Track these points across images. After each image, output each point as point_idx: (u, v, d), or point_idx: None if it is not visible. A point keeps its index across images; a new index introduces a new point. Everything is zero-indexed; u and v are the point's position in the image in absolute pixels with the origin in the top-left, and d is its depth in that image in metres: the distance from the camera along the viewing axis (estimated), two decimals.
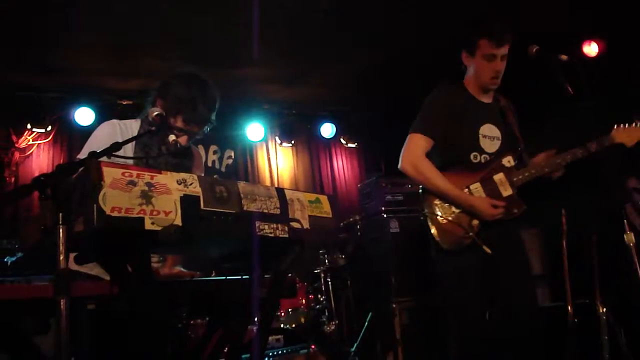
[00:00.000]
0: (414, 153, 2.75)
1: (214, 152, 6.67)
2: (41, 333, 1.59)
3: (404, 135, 2.82)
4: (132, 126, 2.37)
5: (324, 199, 1.88)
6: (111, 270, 1.54)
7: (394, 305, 4.36)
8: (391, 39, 5.35)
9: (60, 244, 1.25)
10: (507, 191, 2.73)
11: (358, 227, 5.08)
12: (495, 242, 2.59)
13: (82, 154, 2.28)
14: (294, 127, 7.14)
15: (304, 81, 6.31)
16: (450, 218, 2.65)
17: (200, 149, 6.54)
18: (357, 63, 5.88)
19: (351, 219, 5.12)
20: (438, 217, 2.67)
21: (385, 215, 4.63)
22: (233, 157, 6.79)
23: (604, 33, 5.32)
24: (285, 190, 1.75)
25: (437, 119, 2.79)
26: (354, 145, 7.56)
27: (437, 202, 2.71)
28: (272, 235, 1.65)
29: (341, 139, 7.46)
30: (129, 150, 2.27)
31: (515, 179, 2.76)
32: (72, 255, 1.52)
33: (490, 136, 2.82)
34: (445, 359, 4.33)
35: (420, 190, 2.79)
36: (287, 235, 1.69)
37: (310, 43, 5.37)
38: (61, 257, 1.24)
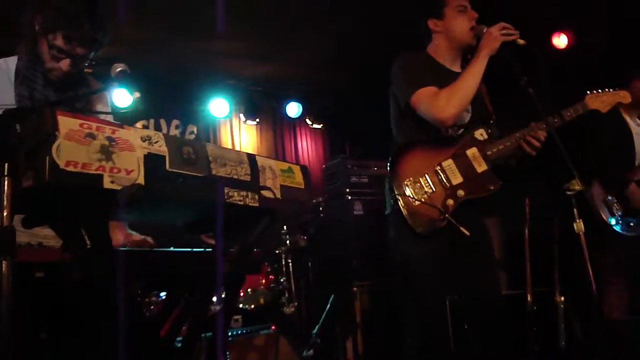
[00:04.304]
0: (432, 101, 2.54)
1: (176, 127, 6.45)
2: None
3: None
4: (8, 63, 2.08)
5: (296, 169, 1.77)
6: (64, 234, 1.40)
7: (354, 289, 4.31)
8: (361, 22, 5.25)
9: (5, 199, 1.11)
10: (481, 167, 2.59)
11: (321, 208, 5.01)
12: (467, 223, 2.49)
13: None
14: (259, 105, 6.98)
15: (272, 58, 6.15)
16: (422, 199, 2.51)
17: (162, 123, 6.32)
18: (326, 43, 5.76)
19: (314, 200, 5.05)
20: (409, 199, 2.52)
21: (349, 197, 4.57)
22: (195, 132, 6.59)
23: (573, 25, 5.36)
24: (257, 157, 1.64)
25: (422, 72, 2.65)
26: (319, 126, 7.47)
27: (407, 182, 2.55)
28: (242, 203, 1.53)
29: (307, 120, 7.35)
30: (9, 90, 2.00)
31: (489, 153, 2.62)
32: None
33: None
34: (403, 344, 4.36)
35: (389, 169, 2.63)
36: (257, 204, 1.58)
37: (279, 20, 5.22)
38: (5, 213, 1.10)
